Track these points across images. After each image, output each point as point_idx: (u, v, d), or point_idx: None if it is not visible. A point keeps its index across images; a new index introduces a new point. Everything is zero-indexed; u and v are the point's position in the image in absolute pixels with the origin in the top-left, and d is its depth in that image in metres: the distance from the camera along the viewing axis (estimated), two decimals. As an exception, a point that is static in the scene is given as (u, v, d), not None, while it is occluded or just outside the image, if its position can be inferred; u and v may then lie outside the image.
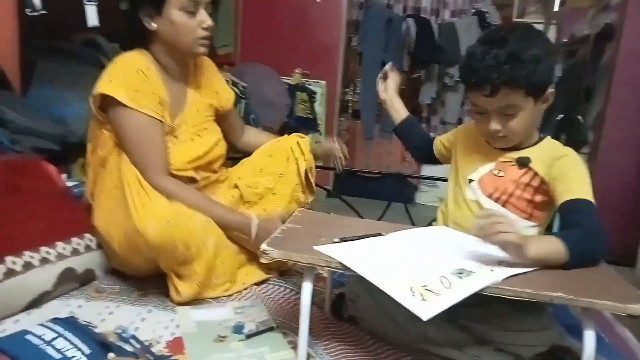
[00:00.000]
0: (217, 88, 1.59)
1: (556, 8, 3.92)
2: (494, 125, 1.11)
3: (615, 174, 2.77)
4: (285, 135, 1.63)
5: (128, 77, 1.33)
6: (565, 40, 3.61)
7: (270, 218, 1.41)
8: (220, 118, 1.62)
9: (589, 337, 0.90)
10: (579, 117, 2.97)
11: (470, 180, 1.22)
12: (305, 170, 1.55)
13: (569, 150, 1.16)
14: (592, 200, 1.05)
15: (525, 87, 1.06)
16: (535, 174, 1.15)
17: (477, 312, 1.05)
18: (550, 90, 1.12)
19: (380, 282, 0.89)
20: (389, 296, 0.87)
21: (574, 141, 2.99)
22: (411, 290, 0.87)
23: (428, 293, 0.86)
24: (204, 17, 1.37)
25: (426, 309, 0.83)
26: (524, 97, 1.08)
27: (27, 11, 1.69)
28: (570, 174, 1.10)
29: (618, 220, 2.59)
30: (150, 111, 1.34)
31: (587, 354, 0.90)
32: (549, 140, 1.20)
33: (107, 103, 1.33)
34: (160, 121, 1.37)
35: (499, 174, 1.19)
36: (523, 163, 1.16)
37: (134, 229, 1.22)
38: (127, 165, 1.31)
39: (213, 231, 1.36)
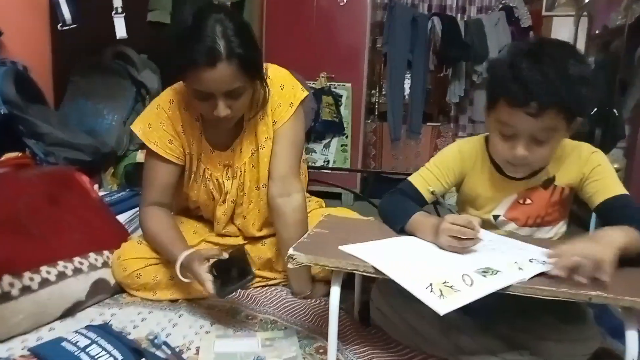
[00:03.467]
0: None
1: (587, -1, 3.80)
2: (522, 151, 1.01)
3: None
4: None
5: None
6: (598, 32, 3.49)
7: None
8: None
9: (632, 338, 0.86)
10: (614, 110, 2.87)
11: (496, 216, 1.17)
12: None
13: (591, 148, 1.11)
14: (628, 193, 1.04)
15: (573, 109, 0.97)
16: (563, 187, 1.12)
17: (518, 321, 1.02)
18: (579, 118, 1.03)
19: (400, 278, 0.89)
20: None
21: (611, 135, 2.90)
22: (430, 286, 0.86)
23: (448, 289, 0.85)
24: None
25: (443, 305, 0.82)
26: (563, 121, 0.98)
27: (59, 26, 1.74)
28: (601, 171, 1.07)
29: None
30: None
31: (630, 355, 0.85)
32: (565, 147, 1.11)
33: None
34: None
35: (527, 202, 1.14)
36: (548, 184, 1.12)
37: None
38: None
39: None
